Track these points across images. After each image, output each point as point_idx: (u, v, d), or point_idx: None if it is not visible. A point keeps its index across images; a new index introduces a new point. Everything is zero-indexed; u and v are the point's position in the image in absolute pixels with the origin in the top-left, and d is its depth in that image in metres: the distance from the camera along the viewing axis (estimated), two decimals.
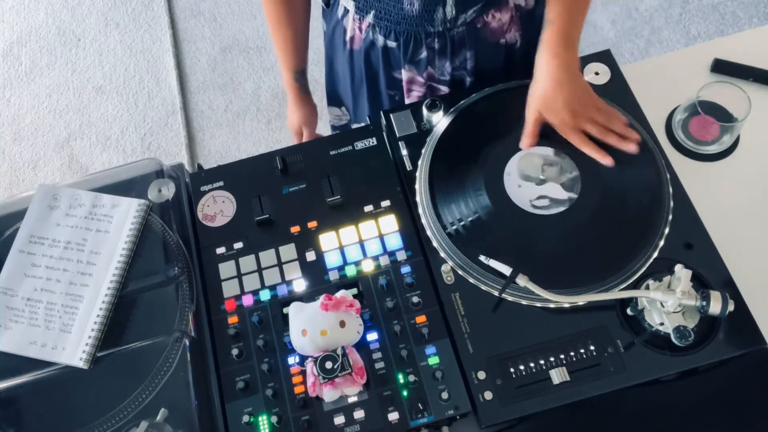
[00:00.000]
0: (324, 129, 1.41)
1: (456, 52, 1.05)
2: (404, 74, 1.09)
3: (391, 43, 1.05)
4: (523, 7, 1.03)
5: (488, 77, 1.06)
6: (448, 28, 1.00)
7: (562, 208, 0.91)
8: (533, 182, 0.93)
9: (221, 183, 0.99)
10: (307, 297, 0.89)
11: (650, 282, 0.84)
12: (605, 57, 1.04)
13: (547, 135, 0.94)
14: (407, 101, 1.13)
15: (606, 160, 0.91)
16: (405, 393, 0.82)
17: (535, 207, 0.91)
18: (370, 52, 1.08)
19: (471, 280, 0.88)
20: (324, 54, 1.21)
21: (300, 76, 1.20)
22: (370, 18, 1.02)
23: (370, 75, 1.13)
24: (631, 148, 0.91)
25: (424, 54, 1.05)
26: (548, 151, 0.94)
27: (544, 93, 0.91)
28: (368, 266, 0.90)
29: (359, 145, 1.01)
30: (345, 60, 1.13)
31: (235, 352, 0.86)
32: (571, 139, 0.92)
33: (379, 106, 1.17)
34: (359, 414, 0.81)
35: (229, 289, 0.91)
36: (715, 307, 0.79)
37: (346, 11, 1.06)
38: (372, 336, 0.85)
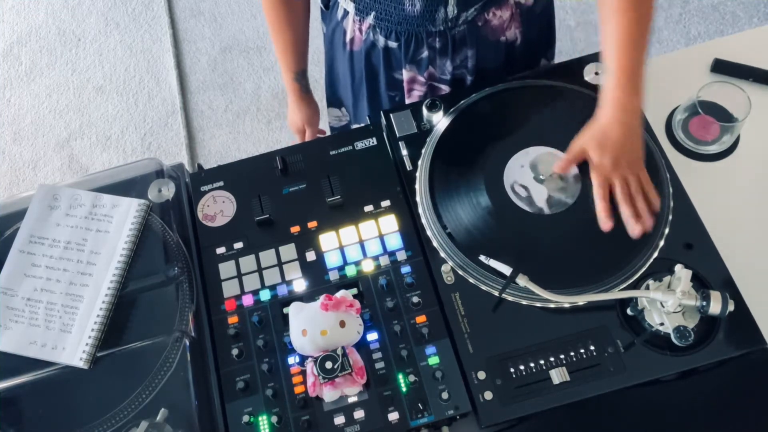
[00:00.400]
0: (324, 130, 1.41)
1: (457, 51, 1.05)
2: (405, 74, 1.09)
3: (392, 44, 1.05)
4: (523, 4, 1.03)
5: (489, 75, 1.06)
6: (449, 27, 1.00)
7: (527, 209, 0.90)
8: (534, 174, 0.93)
9: (221, 183, 0.99)
10: (307, 297, 0.89)
11: (650, 282, 0.84)
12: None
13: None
14: (408, 101, 1.13)
15: (605, 225, 0.87)
16: (405, 393, 0.82)
17: (513, 190, 0.92)
18: (371, 53, 1.08)
19: (471, 280, 0.88)
20: (323, 55, 1.21)
21: (300, 76, 1.20)
22: (370, 19, 1.02)
23: (370, 76, 1.13)
24: (635, 232, 0.86)
25: (425, 53, 1.05)
26: (572, 169, 0.93)
27: (598, 131, 0.88)
28: (368, 266, 0.90)
29: (359, 145, 1.01)
30: (345, 61, 1.13)
31: (235, 352, 0.86)
32: (595, 183, 0.88)
33: (379, 108, 1.17)
34: (359, 414, 0.81)
35: (229, 289, 0.91)
36: (715, 307, 0.79)
37: (346, 13, 1.06)
38: (372, 336, 0.85)
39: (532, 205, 0.91)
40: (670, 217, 0.89)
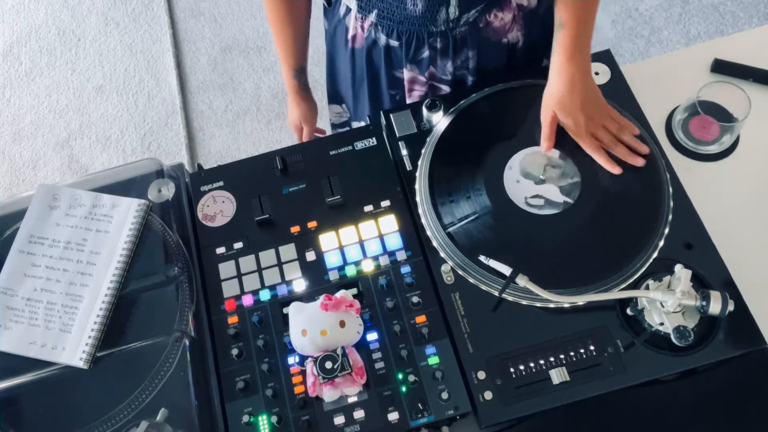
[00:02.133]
0: (324, 127, 1.42)
1: (458, 52, 1.05)
2: (406, 74, 1.09)
3: (394, 43, 1.05)
4: (526, 7, 1.03)
5: (490, 77, 1.06)
6: (450, 27, 1.00)
7: (555, 211, 0.91)
8: (532, 180, 0.93)
9: (221, 183, 0.99)
10: (307, 297, 0.89)
11: (650, 282, 0.84)
12: (605, 57, 1.04)
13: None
14: (409, 101, 1.13)
15: (615, 170, 0.92)
16: (405, 393, 0.82)
17: (529, 205, 0.92)
18: (372, 51, 1.08)
19: (471, 280, 0.88)
20: (325, 52, 1.21)
21: (300, 73, 1.20)
22: (372, 17, 1.02)
23: (371, 74, 1.13)
24: (639, 162, 0.93)
25: (426, 53, 1.05)
26: (554, 153, 0.95)
27: (560, 95, 0.92)
28: (368, 266, 0.90)
29: (359, 145, 1.01)
30: (346, 59, 1.13)
31: (235, 352, 0.86)
32: (583, 143, 0.93)
33: (380, 106, 1.17)
34: (359, 414, 0.81)
35: (229, 289, 0.91)
36: (715, 307, 0.79)
37: (348, 10, 1.06)
38: (372, 336, 0.85)
39: (556, 205, 0.92)
40: (670, 217, 0.89)
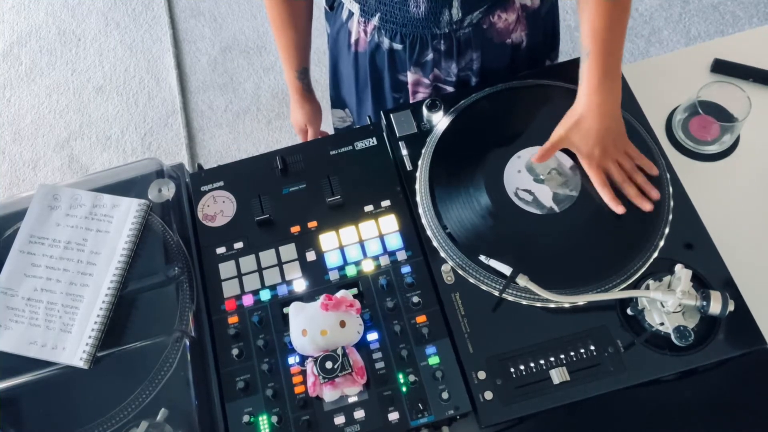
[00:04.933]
0: (327, 131, 1.41)
1: (462, 54, 1.05)
2: (410, 76, 1.09)
3: (397, 46, 1.04)
4: (529, 7, 1.03)
5: (494, 78, 1.06)
6: (454, 29, 1.00)
7: (537, 212, 0.90)
8: (533, 176, 0.93)
9: (221, 183, 0.99)
10: (307, 297, 0.89)
11: (650, 282, 0.84)
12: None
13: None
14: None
15: (618, 209, 0.88)
16: (405, 393, 0.82)
17: (517, 196, 0.91)
18: (375, 54, 1.08)
19: (471, 280, 0.88)
20: (327, 56, 1.21)
21: (302, 75, 1.20)
22: (375, 21, 1.02)
23: (374, 77, 1.12)
24: (646, 207, 0.88)
25: (430, 56, 1.05)
26: (567, 161, 0.94)
27: (581, 118, 0.89)
28: (368, 266, 0.90)
29: (359, 145, 1.01)
30: (349, 62, 1.13)
31: (235, 352, 0.86)
32: (591, 174, 0.90)
33: (384, 109, 1.17)
34: (359, 414, 0.81)
35: (229, 289, 0.91)
36: (715, 307, 0.79)
37: (351, 14, 1.06)
38: (372, 336, 0.85)
39: (540, 207, 0.91)
40: (670, 217, 0.89)
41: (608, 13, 0.86)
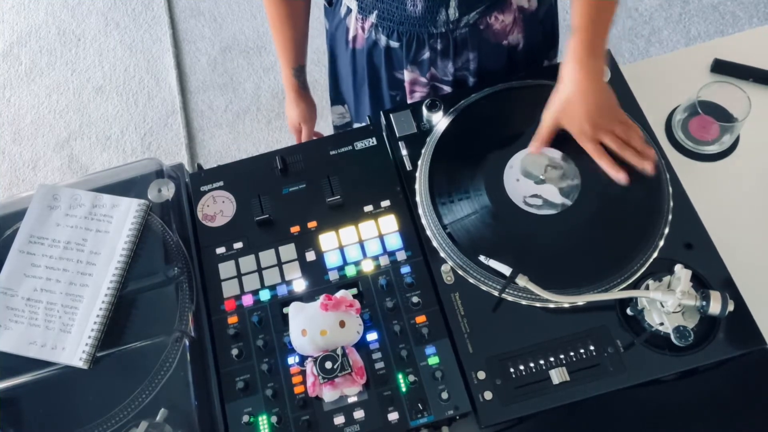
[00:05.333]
0: (326, 129, 1.42)
1: (458, 54, 1.05)
2: (407, 75, 1.09)
3: (394, 44, 1.04)
4: (526, 9, 1.03)
5: (491, 78, 1.06)
6: (450, 29, 1.00)
7: (553, 211, 0.91)
8: (533, 180, 0.93)
9: (221, 183, 0.99)
10: (307, 297, 0.89)
11: (650, 282, 0.84)
12: (605, 57, 1.04)
13: (558, 138, 0.93)
14: (410, 102, 1.13)
15: (620, 176, 0.89)
16: (405, 393, 0.82)
17: (528, 204, 0.91)
18: (373, 51, 1.08)
19: (471, 280, 0.88)
20: (326, 53, 1.21)
21: (299, 72, 1.20)
22: (372, 18, 1.02)
23: (372, 75, 1.13)
24: (647, 167, 0.89)
25: (426, 55, 1.05)
26: (556, 154, 0.94)
27: (566, 100, 0.89)
28: (368, 266, 0.90)
29: (359, 145, 1.01)
30: (347, 59, 1.13)
31: (235, 352, 0.86)
32: (587, 149, 0.90)
33: (381, 106, 1.17)
34: (359, 414, 0.81)
35: (229, 289, 0.91)
36: (715, 307, 0.79)
37: (349, 10, 1.06)
38: (372, 336, 0.85)
39: (554, 206, 0.91)
40: (670, 217, 0.89)
41: None
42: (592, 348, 0.82)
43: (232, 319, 0.89)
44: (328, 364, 0.80)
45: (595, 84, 0.89)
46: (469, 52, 1.05)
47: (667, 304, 0.80)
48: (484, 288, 0.87)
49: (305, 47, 1.19)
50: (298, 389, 0.83)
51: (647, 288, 0.83)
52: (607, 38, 0.90)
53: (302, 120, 1.27)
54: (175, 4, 2.55)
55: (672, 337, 0.80)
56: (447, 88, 1.10)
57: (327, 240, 0.93)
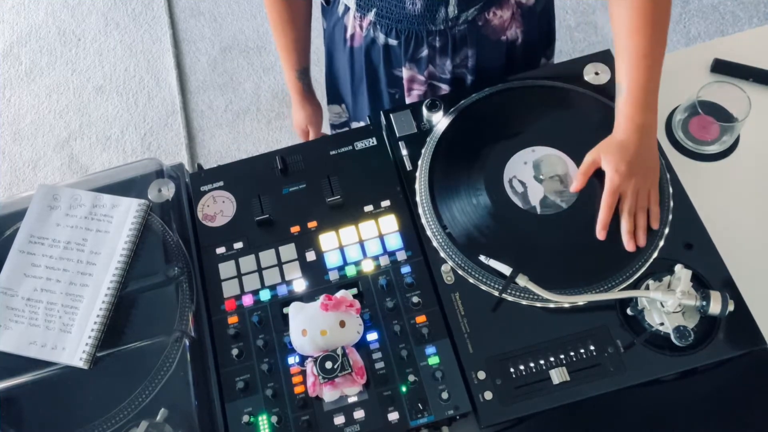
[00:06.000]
0: (324, 128, 1.41)
1: (457, 51, 1.05)
2: (405, 73, 1.09)
3: (392, 41, 1.04)
4: (524, 4, 1.03)
5: (489, 75, 1.06)
6: (449, 26, 1.00)
7: (521, 205, 0.91)
8: (534, 173, 0.93)
9: (221, 183, 0.99)
10: (307, 297, 0.89)
11: (650, 282, 0.84)
12: (605, 57, 1.04)
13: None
14: (408, 100, 1.13)
15: (599, 235, 0.87)
16: (405, 393, 0.82)
17: (509, 185, 0.92)
18: (371, 49, 1.08)
19: (471, 280, 0.88)
20: (323, 53, 1.21)
21: (303, 75, 1.20)
22: (371, 16, 1.02)
23: (370, 73, 1.12)
24: (630, 246, 0.87)
25: (425, 52, 1.05)
26: (572, 172, 0.93)
27: (611, 145, 0.89)
28: (368, 266, 0.90)
29: (359, 145, 1.01)
30: (345, 58, 1.13)
31: (235, 352, 0.86)
32: (606, 190, 0.88)
33: (380, 105, 1.17)
34: (359, 414, 0.81)
35: (229, 289, 0.91)
36: (715, 307, 0.79)
37: (347, 9, 1.06)
38: (372, 336, 0.85)
39: (525, 202, 0.91)
40: (670, 217, 0.89)
41: (649, 47, 0.85)
42: (592, 348, 0.82)
43: (232, 319, 0.89)
44: (328, 364, 0.80)
45: (644, 138, 0.88)
46: (468, 49, 1.05)
47: (667, 304, 0.80)
48: (484, 288, 0.87)
49: (308, 49, 1.19)
50: (298, 389, 0.83)
51: (647, 288, 0.83)
52: (658, 89, 0.88)
53: (309, 122, 1.27)
54: (175, 4, 2.55)
55: (672, 337, 0.80)
56: (445, 86, 1.10)
57: (327, 240, 0.93)
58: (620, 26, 0.87)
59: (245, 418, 0.82)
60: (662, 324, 0.81)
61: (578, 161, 0.92)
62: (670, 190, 0.91)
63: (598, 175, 0.90)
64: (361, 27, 1.06)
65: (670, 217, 0.90)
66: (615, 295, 0.84)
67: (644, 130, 0.88)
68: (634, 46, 0.86)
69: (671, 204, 0.90)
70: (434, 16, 0.98)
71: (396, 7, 0.98)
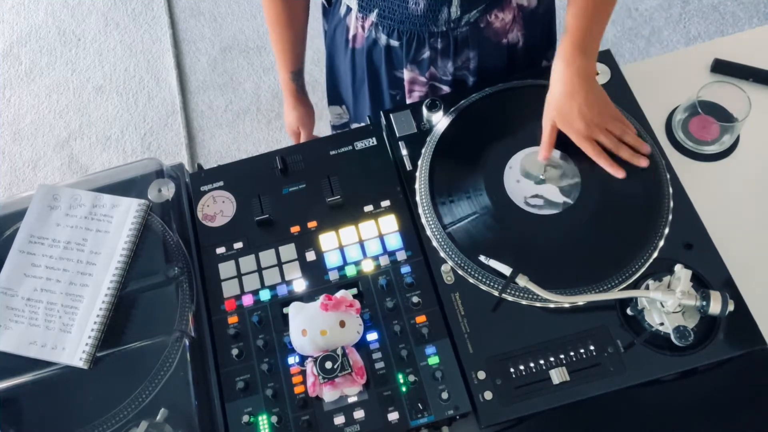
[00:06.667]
0: (324, 129, 1.42)
1: (459, 52, 1.05)
2: (406, 74, 1.09)
3: (394, 42, 1.04)
4: (526, 7, 1.03)
5: (490, 77, 1.06)
6: (451, 28, 1.00)
7: (554, 211, 0.91)
8: (533, 180, 0.93)
9: (221, 183, 0.99)
10: (307, 297, 0.89)
11: (650, 282, 0.84)
12: (605, 57, 1.04)
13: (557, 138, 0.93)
14: (409, 101, 1.13)
15: (619, 174, 0.90)
16: (405, 393, 0.82)
17: (529, 205, 0.92)
18: (372, 50, 1.08)
19: (471, 280, 0.88)
20: (325, 53, 1.21)
21: (297, 76, 1.20)
22: (373, 17, 1.02)
23: (371, 74, 1.12)
24: (643, 163, 0.91)
25: (426, 54, 1.05)
26: (554, 154, 0.94)
27: (558, 101, 0.90)
28: (368, 266, 0.90)
29: (359, 145, 1.01)
30: (347, 59, 1.13)
31: (235, 352, 0.86)
32: (585, 149, 0.91)
33: (381, 106, 1.17)
34: (359, 414, 0.81)
35: (229, 289, 0.91)
36: (715, 307, 0.79)
37: (349, 10, 1.06)
38: (372, 336, 0.85)
39: (555, 206, 0.91)
40: (670, 217, 0.89)
41: None
42: (592, 348, 0.82)
43: (232, 319, 0.89)
44: (328, 364, 0.80)
45: (584, 82, 0.89)
46: (470, 51, 1.05)
47: (667, 304, 0.80)
48: (484, 288, 0.87)
49: (303, 50, 1.19)
50: (298, 389, 0.83)
51: (647, 288, 0.83)
52: (599, 39, 0.91)
53: (300, 124, 1.27)
54: (175, 4, 2.55)
55: (672, 337, 0.80)
56: (446, 88, 1.10)
57: (327, 240, 0.93)
58: None
59: (245, 418, 0.82)
60: (662, 324, 0.81)
61: (575, 158, 0.93)
62: (670, 190, 0.91)
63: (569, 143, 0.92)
64: (363, 28, 1.06)
65: (670, 217, 0.90)
66: (615, 295, 0.84)
67: (584, 74, 0.89)
68: None
69: (671, 204, 0.90)
70: (437, 17, 0.98)
71: (398, 7, 0.98)
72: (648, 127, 0.98)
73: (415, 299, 0.87)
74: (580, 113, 0.89)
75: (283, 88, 1.23)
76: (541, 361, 0.82)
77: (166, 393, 0.82)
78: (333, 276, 0.90)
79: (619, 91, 1.01)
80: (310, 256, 0.92)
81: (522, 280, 0.84)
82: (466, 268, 0.88)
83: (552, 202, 0.91)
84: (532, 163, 0.95)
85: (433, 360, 0.83)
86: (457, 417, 0.81)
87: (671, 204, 0.90)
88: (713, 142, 1.01)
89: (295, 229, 0.94)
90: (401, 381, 0.82)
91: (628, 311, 0.83)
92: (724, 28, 2.27)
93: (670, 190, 0.91)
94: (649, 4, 2.35)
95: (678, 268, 0.81)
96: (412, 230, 0.93)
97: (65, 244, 0.95)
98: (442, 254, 0.90)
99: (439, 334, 0.85)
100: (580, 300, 0.84)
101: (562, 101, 0.90)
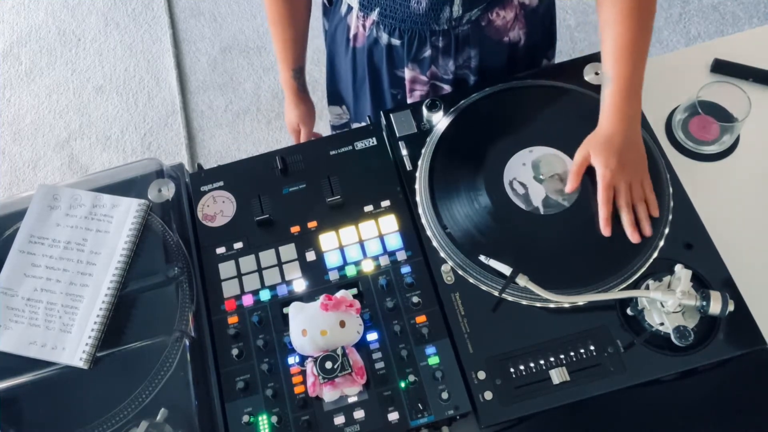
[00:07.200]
0: (324, 129, 1.42)
1: (460, 51, 1.05)
2: (407, 73, 1.09)
3: (395, 41, 1.04)
4: (527, 5, 1.03)
5: (492, 76, 1.06)
6: (453, 26, 1.00)
7: (523, 207, 0.91)
8: (534, 174, 0.93)
9: (221, 183, 0.99)
10: (307, 297, 0.89)
11: (650, 282, 0.84)
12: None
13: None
14: (410, 100, 1.13)
15: (605, 232, 0.88)
16: (405, 393, 0.82)
17: (511, 186, 0.92)
18: (373, 50, 1.08)
19: (471, 280, 0.88)
20: (325, 52, 1.21)
21: (298, 74, 1.20)
22: (374, 15, 1.02)
23: (372, 73, 1.12)
24: (635, 238, 0.87)
25: (428, 52, 1.05)
26: (567, 166, 0.93)
27: (600, 135, 0.89)
28: (368, 266, 0.90)
29: (359, 145, 1.01)
30: (347, 58, 1.13)
31: (235, 352, 0.86)
32: (601, 188, 0.88)
33: (382, 105, 1.17)
34: (359, 414, 0.81)
35: (229, 289, 0.91)
36: (715, 307, 0.79)
37: (350, 8, 1.06)
38: (372, 336, 0.85)
39: (528, 203, 0.91)
40: (670, 217, 0.89)
41: (634, 35, 0.85)
42: (592, 348, 0.82)
43: (232, 319, 0.89)
44: (328, 364, 0.80)
45: (630, 129, 0.88)
46: (471, 50, 1.05)
47: (667, 304, 0.80)
48: (484, 288, 0.87)
49: (305, 48, 1.18)
50: (298, 389, 0.83)
51: (647, 288, 0.83)
52: (642, 79, 0.89)
53: (301, 122, 1.27)
54: (175, 4, 2.55)
55: (672, 337, 0.80)
56: (447, 87, 1.10)
57: (327, 240, 0.93)
58: (607, 15, 0.88)
59: (245, 418, 0.82)
60: (662, 324, 0.81)
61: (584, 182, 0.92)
62: (670, 190, 0.91)
63: (593, 173, 0.90)
64: (364, 27, 1.06)
65: (670, 217, 0.90)
66: (615, 295, 0.84)
67: (630, 120, 0.88)
68: (620, 36, 0.86)
69: (671, 204, 0.90)
70: (438, 15, 0.98)
71: (400, 6, 0.98)
72: (648, 127, 0.98)
73: (415, 299, 0.87)
74: (617, 155, 0.87)
75: (284, 86, 1.23)
76: (541, 361, 0.82)
77: (166, 393, 0.82)
78: (333, 276, 0.90)
79: None
80: (310, 256, 0.92)
81: (522, 280, 0.84)
82: (466, 268, 0.88)
83: (528, 200, 0.92)
84: (549, 163, 0.94)
85: (433, 360, 0.83)
86: (457, 417, 0.81)
87: (671, 204, 0.90)
88: (713, 142, 1.01)
89: (295, 229, 0.94)
90: (401, 381, 0.82)
91: (628, 311, 0.83)
92: (724, 28, 2.27)
93: (670, 190, 0.91)
94: None
95: (678, 268, 0.81)
96: (412, 230, 0.93)
97: (65, 244, 0.95)
98: (442, 254, 0.90)
99: (439, 334, 0.85)
100: (580, 300, 0.84)
101: (603, 137, 0.89)
